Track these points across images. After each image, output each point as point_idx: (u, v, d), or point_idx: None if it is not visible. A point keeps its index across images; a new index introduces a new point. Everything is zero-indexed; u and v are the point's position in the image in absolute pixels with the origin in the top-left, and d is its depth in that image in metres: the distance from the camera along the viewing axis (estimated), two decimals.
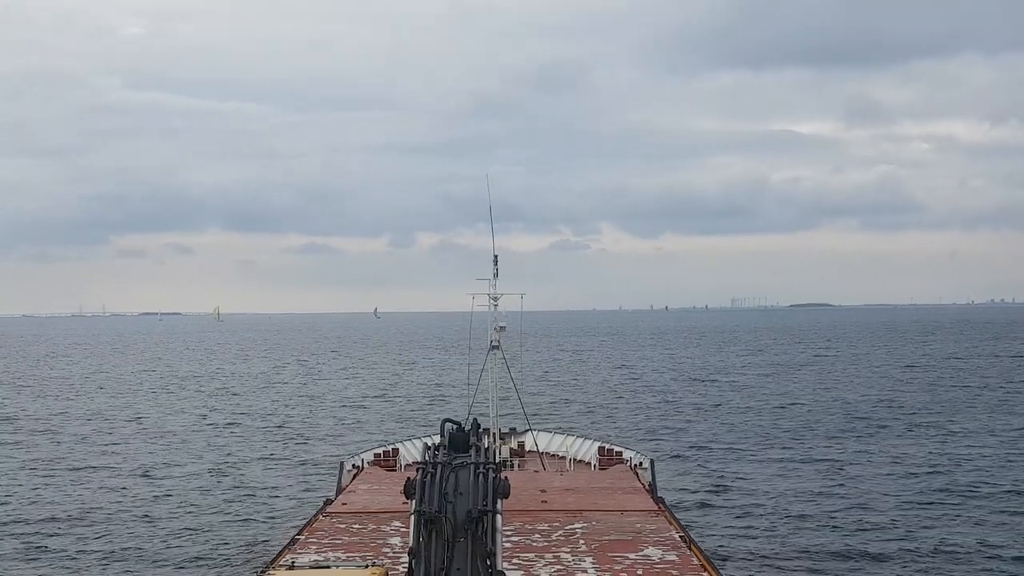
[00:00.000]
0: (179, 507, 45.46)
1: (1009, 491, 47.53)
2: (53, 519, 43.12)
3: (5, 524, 42.61)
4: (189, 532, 40.49)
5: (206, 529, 41.00)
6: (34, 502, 47.20)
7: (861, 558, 35.55)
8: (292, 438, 70.08)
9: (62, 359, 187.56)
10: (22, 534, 40.44)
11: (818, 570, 34.11)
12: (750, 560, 35.02)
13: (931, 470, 52.39)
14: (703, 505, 44.47)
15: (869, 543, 37.63)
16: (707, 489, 48.44)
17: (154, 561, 36.03)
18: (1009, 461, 55.78)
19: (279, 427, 76.54)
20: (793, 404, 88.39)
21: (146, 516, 43.77)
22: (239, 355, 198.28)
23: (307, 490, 49.23)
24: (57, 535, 40.50)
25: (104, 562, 36.04)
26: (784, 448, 61.84)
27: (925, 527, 40.31)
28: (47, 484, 51.87)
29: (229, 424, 78.72)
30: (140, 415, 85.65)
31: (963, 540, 38.14)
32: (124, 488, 50.21)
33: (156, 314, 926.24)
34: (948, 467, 53.35)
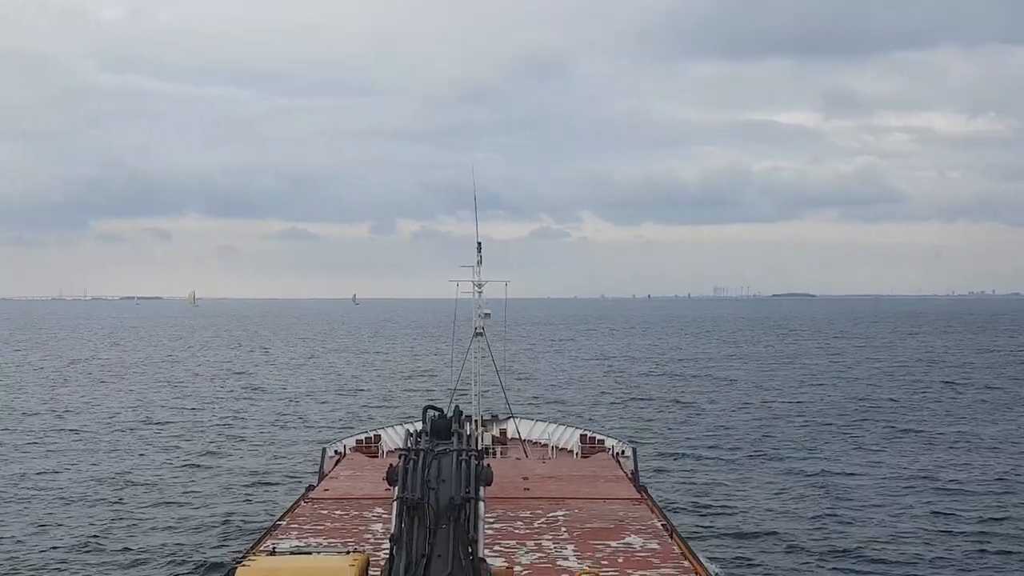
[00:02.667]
0: (157, 496, 45.12)
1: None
2: (24, 511, 42.46)
3: None
4: (169, 520, 40.31)
5: (186, 517, 40.87)
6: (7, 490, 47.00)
7: (843, 553, 35.79)
8: (273, 424, 70.05)
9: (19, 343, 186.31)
10: None
11: (802, 564, 34.31)
12: (733, 550, 35.27)
13: (928, 471, 52.25)
14: (686, 494, 44.65)
15: (851, 536, 37.90)
16: (690, 478, 48.69)
17: (136, 550, 35.89)
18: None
19: (258, 414, 76.46)
20: (787, 398, 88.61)
21: (122, 507, 43.36)
22: (210, 340, 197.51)
23: (289, 476, 49.24)
24: (32, 525, 40.22)
25: (83, 554, 35.86)
26: (771, 440, 62.10)
27: (908, 521, 40.66)
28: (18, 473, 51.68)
29: (199, 409, 78.52)
30: (113, 404, 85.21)
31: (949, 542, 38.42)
32: (98, 479, 49.42)
33: (138, 298, 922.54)
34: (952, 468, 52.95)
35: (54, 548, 36.12)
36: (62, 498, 44.52)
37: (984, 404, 79.79)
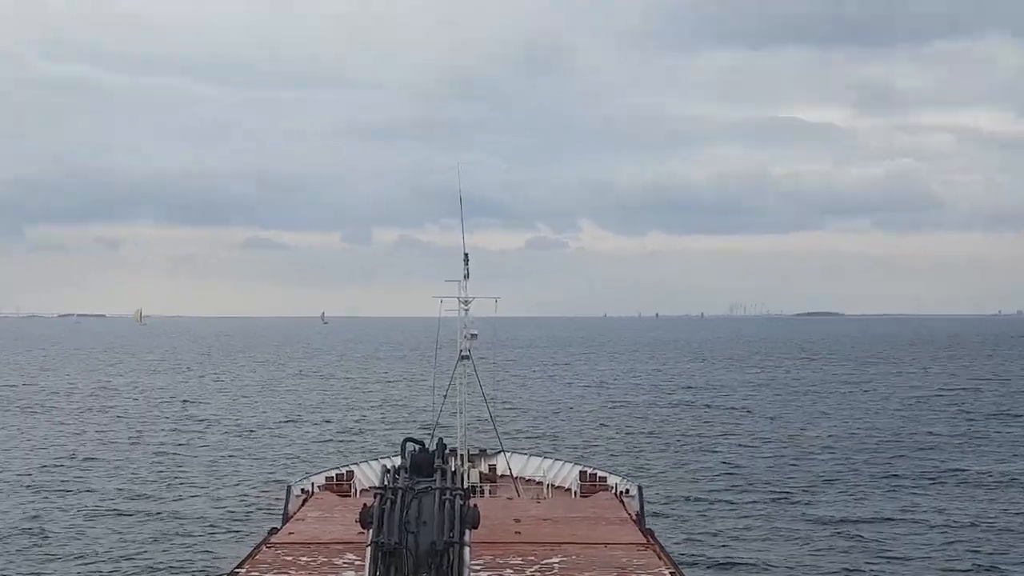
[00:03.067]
0: (82, 547, 44.23)
1: None
2: None
3: None
4: (111, 567, 40.26)
5: (131, 564, 40.80)
6: None
7: None
8: (228, 459, 70.01)
9: None
10: None
11: None
12: None
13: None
14: (697, 539, 44.74)
15: None
16: (702, 522, 48.78)
17: None
18: None
19: (209, 449, 76.41)
20: (811, 433, 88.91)
21: (37, 564, 43.19)
22: (155, 363, 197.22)
23: (248, 518, 49.10)
24: None
25: None
26: (794, 481, 62.23)
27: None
28: None
29: (137, 444, 78.29)
30: (35, 436, 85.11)
31: None
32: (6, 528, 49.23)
33: (79, 315, 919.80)
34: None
35: None
36: None
37: None
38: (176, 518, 49.86)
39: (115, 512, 51.66)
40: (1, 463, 67.84)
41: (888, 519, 49.50)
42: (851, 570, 40.03)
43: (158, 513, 51.29)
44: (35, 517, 49.91)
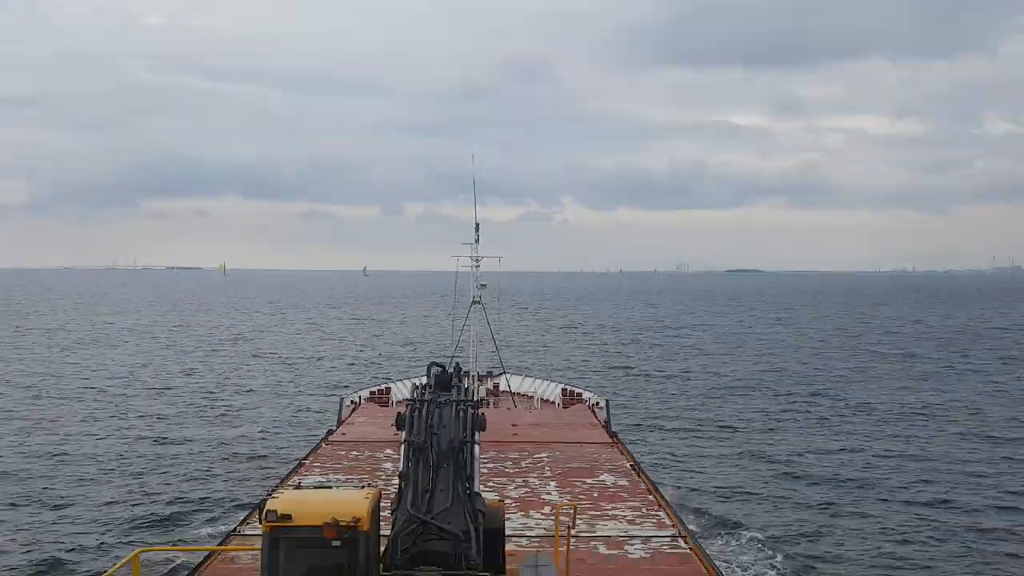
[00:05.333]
0: (194, 445, 44.37)
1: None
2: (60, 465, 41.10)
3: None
4: (205, 464, 40.34)
5: (221, 458, 40.94)
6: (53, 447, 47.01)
7: (790, 497, 36.04)
8: (298, 377, 70.17)
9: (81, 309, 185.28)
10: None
11: (754, 500, 34.54)
12: (691, 488, 35.50)
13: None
14: (650, 439, 44.95)
15: (799, 481, 38.17)
16: (655, 426, 48.97)
17: (173, 491, 35.92)
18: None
19: (284, 368, 76.56)
20: (740, 365, 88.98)
21: (159, 456, 43.49)
22: (236, 307, 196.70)
23: (310, 423, 49.32)
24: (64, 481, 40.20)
25: (136, 489, 35.85)
26: (725, 400, 62.44)
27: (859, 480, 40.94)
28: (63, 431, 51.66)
29: (233, 368, 78.48)
30: (135, 367, 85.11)
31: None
32: (130, 429, 48.78)
33: (180, 268, 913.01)
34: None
35: (84, 502, 36.05)
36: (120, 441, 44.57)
37: (910, 371, 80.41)
38: (254, 421, 50.12)
39: (224, 415, 52.21)
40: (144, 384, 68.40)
41: (789, 420, 49.79)
42: (755, 462, 40.31)
43: (237, 417, 51.72)
44: (162, 420, 50.33)
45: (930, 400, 58.61)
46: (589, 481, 26.33)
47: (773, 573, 25.38)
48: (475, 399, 15.69)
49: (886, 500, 33.85)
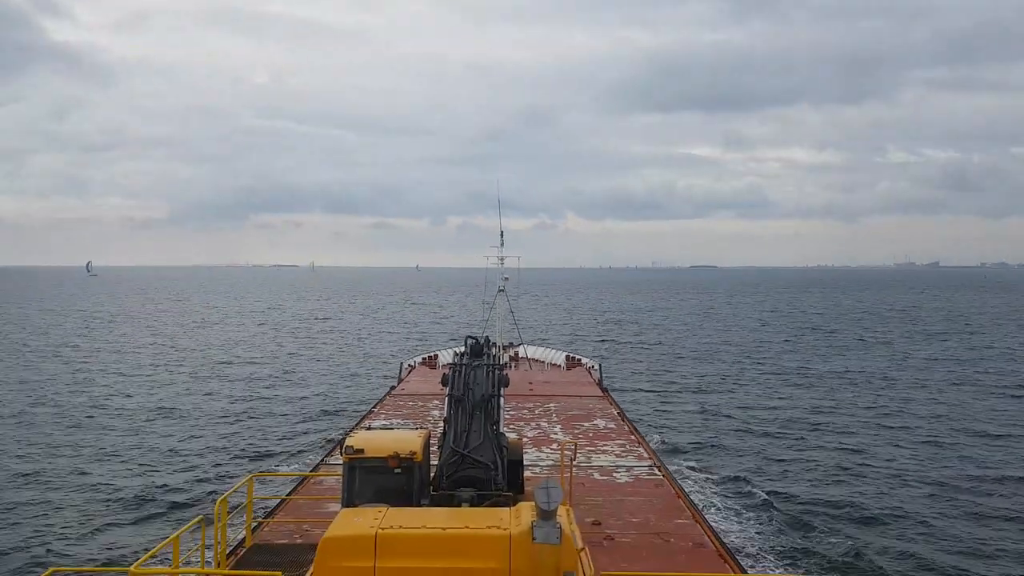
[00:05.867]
0: (294, 399, 44.38)
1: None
2: (169, 409, 41.67)
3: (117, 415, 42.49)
4: (301, 410, 40.50)
5: (313, 407, 41.09)
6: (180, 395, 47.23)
7: (736, 437, 35.59)
8: (368, 346, 70.29)
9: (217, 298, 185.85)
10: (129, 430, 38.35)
11: (709, 441, 34.29)
12: (666, 427, 35.33)
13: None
14: (631, 393, 44.66)
15: (743, 426, 37.81)
16: (635, 383, 48.66)
17: (278, 431, 36.03)
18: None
19: (357, 340, 76.74)
20: (702, 338, 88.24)
21: (277, 396, 43.56)
22: (326, 296, 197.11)
23: (378, 381, 49.38)
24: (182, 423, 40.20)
25: (235, 441, 35.66)
26: (695, 361, 61.98)
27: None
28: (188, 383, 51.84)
29: (320, 341, 78.58)
30: (244, 341, 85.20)
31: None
32: (234, 386, 49.54)
33: (281, 266, 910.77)
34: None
35: (193, 442, 36.16)
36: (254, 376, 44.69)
37: (831, 344, 79.58)
38: (337, 379, 50.22)
39: (301, 373, 52.00)
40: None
41: (732, 380, 49.35)
42: (716, 404, 40.08)
43: (325, 376, 51.66)
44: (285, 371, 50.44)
45: (847, 365, 58.13)
46: (586, 425, 26.29)
47: (719, 488, 25.23)
48: (500, 363, 15.69)
49: (815, 446, 33.44)
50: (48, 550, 20.15)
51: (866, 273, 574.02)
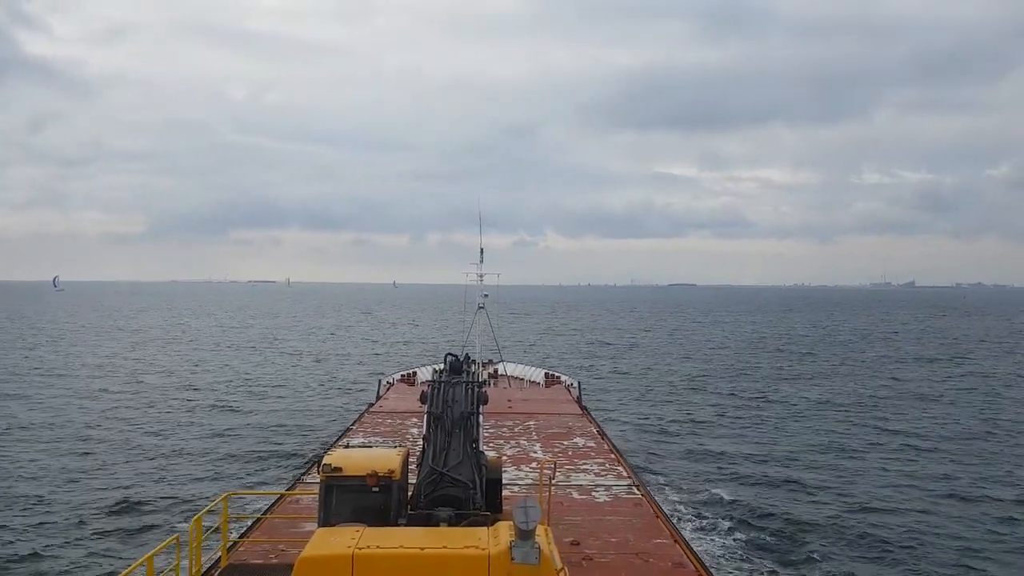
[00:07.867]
0: (266, 414, 44.19)
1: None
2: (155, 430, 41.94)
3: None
4: (276, 427, 40.10)
5: (289, 423, 40.67)
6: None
7: (712, 453, 35.72)
8: (344, 364, 69.78)
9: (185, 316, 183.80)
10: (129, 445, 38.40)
11: (700, 467, 34.33)
12: (644, 445, 35.37)
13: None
14: (612, 412, 44.63)
15: (717, 439, 37.91)
16: (614, 401, 48.74)
17: (252, 447, 35.65)
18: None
19: (334, 357, 76.14)
20: (679, 354, 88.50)
21: (251, 416, 43.09)
22: (299, 313, 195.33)
23: (355, 396, 48.99)
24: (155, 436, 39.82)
25: (211, 458, 35.42)
26: (674, 381, 62.15)
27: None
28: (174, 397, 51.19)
29: (297, 357, 77.97)
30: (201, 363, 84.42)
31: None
32: (202, 412, 48.96)
33: (257, 281, 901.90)
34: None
35: (170, 467, 35.73)
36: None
37: (807, 365, 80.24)
38: (314, 397, 49.77)
39: (277, 391, 51.49)
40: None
41: (709, 396, 49.52)
42: (691, 416, 40.21)
43: (301, 393, 51.18)
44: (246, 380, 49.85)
45: (827, 385, 58.60)
46: (565, 443, 26.24)
47: (697, 508, 25.26)
48: (479, 381, 15.68)
49: (797, 465, 33.65)
50: (14, 575, 19.71)
51: (841, 292, 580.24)
